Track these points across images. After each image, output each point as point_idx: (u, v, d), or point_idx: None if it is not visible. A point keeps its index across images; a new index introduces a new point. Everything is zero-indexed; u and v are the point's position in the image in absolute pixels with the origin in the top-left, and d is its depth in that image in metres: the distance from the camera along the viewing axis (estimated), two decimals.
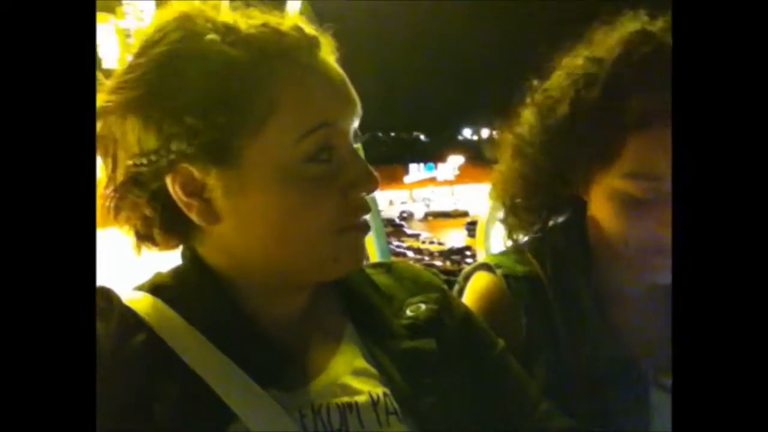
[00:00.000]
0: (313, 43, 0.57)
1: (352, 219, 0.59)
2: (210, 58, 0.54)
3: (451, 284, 0.90)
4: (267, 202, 0.56)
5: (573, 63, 0.81)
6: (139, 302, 0.58)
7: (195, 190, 0.56)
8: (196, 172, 0.55)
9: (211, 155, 0.55)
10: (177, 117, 0.54)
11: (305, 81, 0.56)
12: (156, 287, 0.61)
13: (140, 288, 0.62)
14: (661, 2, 0.75)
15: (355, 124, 0.61)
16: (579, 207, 0.85)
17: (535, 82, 0.86)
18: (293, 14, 0.63)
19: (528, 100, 0.87)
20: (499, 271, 0.83)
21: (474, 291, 0.86)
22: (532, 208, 0.88)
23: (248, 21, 0.57)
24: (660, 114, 0.69)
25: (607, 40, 0.79)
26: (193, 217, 0.57)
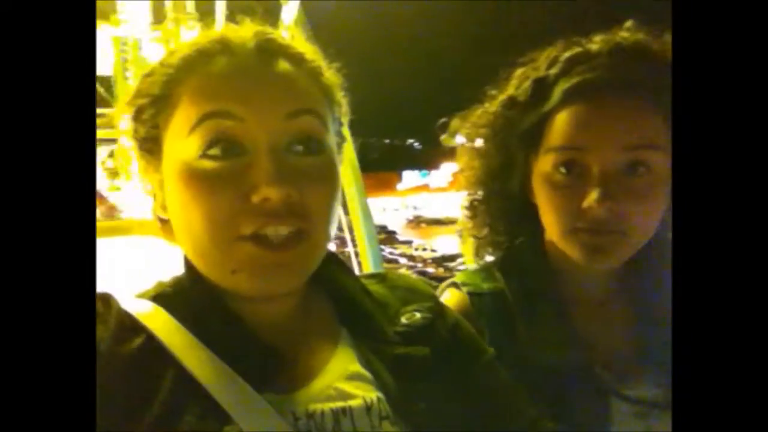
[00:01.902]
0: (228, 44, 0.59)
1: (251, 227, 0.55)
2: (155, 67, 0.62)
3: None
4: (175, 197, 0.59)
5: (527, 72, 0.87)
6: (138, 307, 0.60)
7: (151, 182, 0.63)
8: (143, 164, 0.63)
9: (144, 148, 0.62)
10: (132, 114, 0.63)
11: (207, 74, 0.58)
12: (157, 294, 0.63)
13: (143, 295, 0.63)
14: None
15: (282, 127, 0.57)
16: (538, 229, 0.89)
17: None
18: (288, 24, 0.65)
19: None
20: (464, 289, 0.89)
21: None
22: (497, 229, 0.94)
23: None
24: (578, 92, 0.77)
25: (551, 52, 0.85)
26: (155, 208, 0.64)
